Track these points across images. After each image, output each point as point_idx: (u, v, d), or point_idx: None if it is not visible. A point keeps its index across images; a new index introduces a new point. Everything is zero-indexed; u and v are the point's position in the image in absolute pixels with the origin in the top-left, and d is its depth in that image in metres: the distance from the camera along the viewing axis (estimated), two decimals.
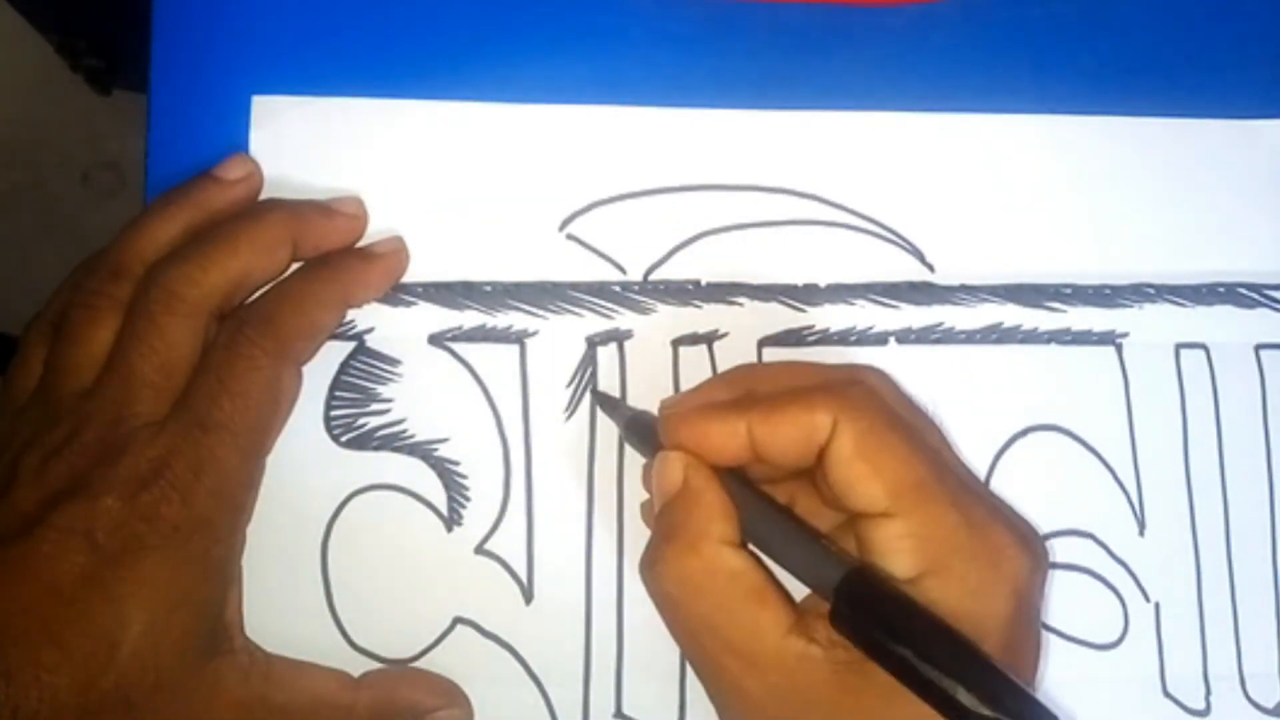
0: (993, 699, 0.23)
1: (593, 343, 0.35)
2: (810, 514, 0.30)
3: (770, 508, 0.29)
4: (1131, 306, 0.37)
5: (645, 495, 0.33)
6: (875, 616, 0.25)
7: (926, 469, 0.27)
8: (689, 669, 0.33)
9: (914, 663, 0.24)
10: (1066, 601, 0.35)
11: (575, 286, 0.35)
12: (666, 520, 0.28)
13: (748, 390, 0.29)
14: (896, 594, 0.26)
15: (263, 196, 0.35)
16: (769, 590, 0.27)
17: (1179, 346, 0.37)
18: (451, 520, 0.34)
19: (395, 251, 0.34)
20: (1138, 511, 0.36)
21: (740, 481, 0.29)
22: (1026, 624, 0.27)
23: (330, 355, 0.34)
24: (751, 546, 0.28)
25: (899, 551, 0.26)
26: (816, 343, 0.36)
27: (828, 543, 0.28)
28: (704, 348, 0.35)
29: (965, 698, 0.23)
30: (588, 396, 0.35)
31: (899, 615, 0.25)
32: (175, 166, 0.35)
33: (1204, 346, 0.37)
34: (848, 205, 0.37)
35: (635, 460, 0.34)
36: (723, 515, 0.28)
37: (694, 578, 0.27)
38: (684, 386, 0.35)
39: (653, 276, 0.36)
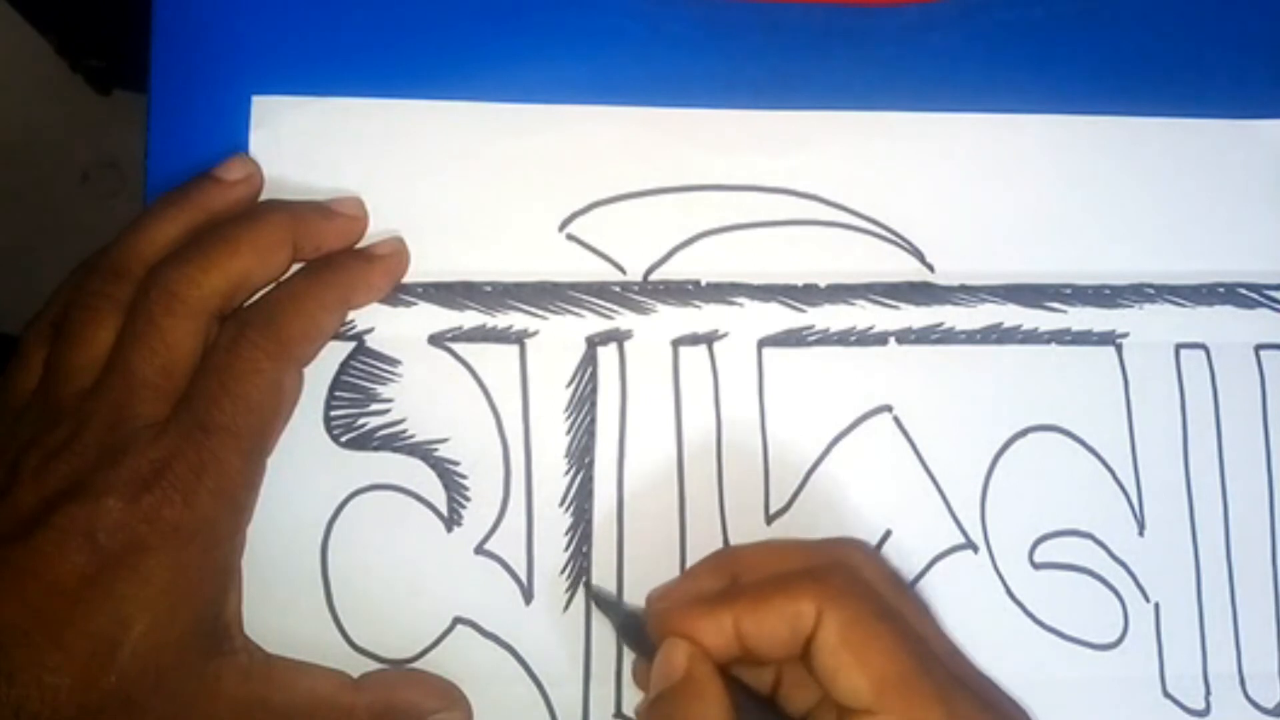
0: None
1: (593, 343, 0.35)
2: (797, 685, 0.29)
3: (762, 707, 0.29)
4: (1131, 306, 0.37)
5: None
6: None
7: (912, 662, 0.27)
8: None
9: None
10: (1066, 601, 0.35)
11: (575, 286, 0.35)
12: (667, 708, 0.28)
13: (732, 577, 0.29)
14: None
15: (263, 197, 0.35)
16: None
17: (1179, 346, 0.37)
18: (451, 520, 0.34)
19: (396, 252, 0.34)
20: (1137, 512, 0.36)
21: (733, 679, 0.29)
22: None
23: (330, 355, 0.34)
24: None
25: None
26: (816, 343, 0.36)
27: None
28: (704, 348, 0.35)
29: None
30: (587, 396, 0.35)
31: None
32: (175, 166, 0.35)
33: (1204, 346, 0.37)
34: (848, 205, 0.37)
35: (636, 461, 0.34)
36: (722, 710, 0.27)
37: None
38: (684, 387, 0.35)
39: (653, 276, 0.36)
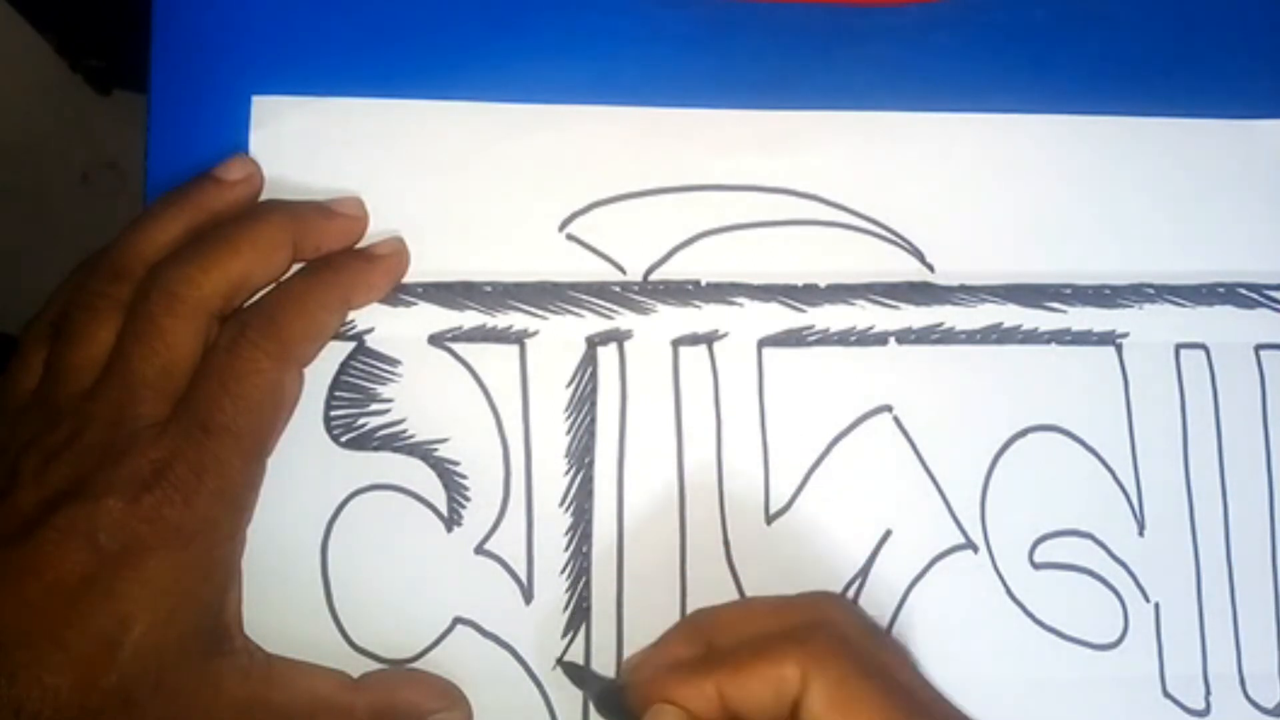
0: None
1: (593, 343, 0.35)
2: None
3: None
4: (1131, 306, 0.37)
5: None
6: None
7: (900, 718, 0.27)
8: None
9: None
10: (1066, 601, 0.35)
11: (575, 286, 0.35)
12: None
13: (707, 643, 0.29)
14: None
15: (263, 197, 0.35)
16: None
17: (1179, 347, 0.37)
18: (451, 520, 0.34)
19: (396, 252, 0.34)
20: (1137, 512, 0.36)
21: None
22: None
23: (330, 355, 0.34)
24: None
25: None
26: (816, 343, 0.36)
27: None
28: (704, 348, 0.35)
29: None
30: (587, 396, 0.35)
31: None
32: (175, 166, 0.35)
33: (1204, 346, 0.37)
34: (848, 205, 0.37)
35: (635, 460, 0.34)
36: None
37: None
38: (684, 387, 0.35)
39: (653, 276, 0.36)
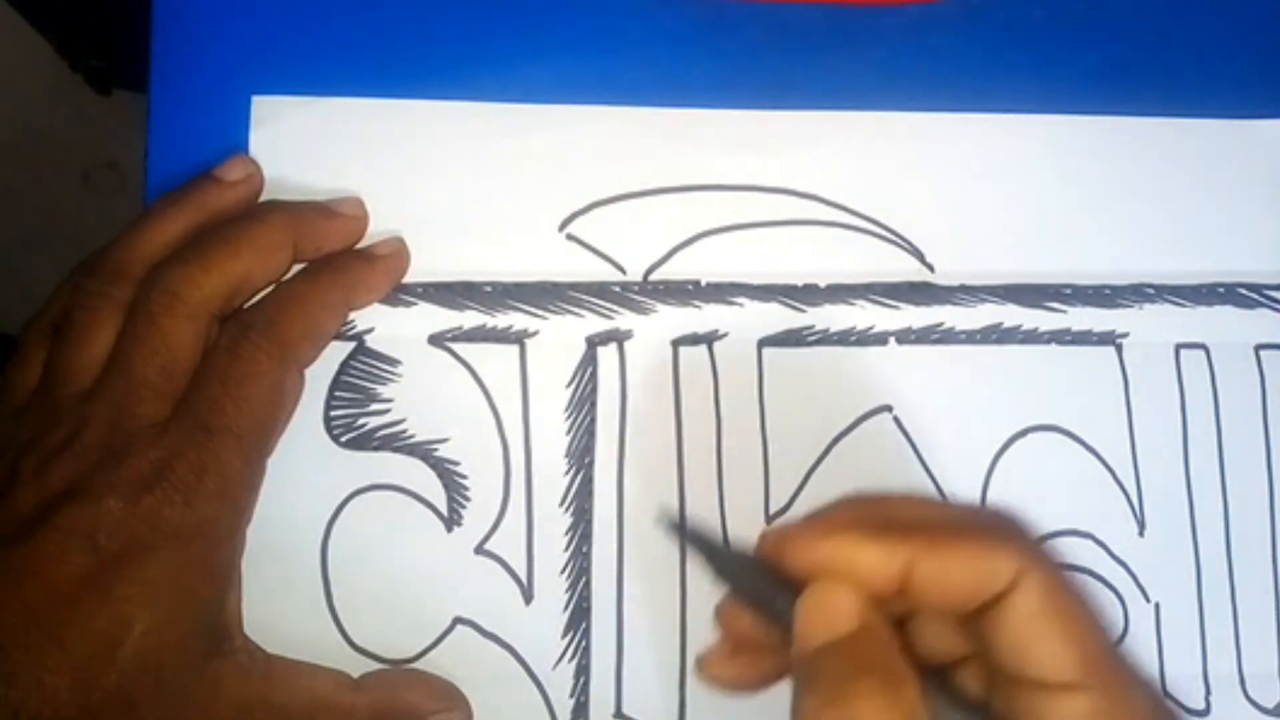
0: None
1: (593, 343, 0.35)
2: (929, 639, 0.26)
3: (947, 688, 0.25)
4: (1131, 306, 0.37)
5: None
6: None
7: (1110, 641, 0.24)
8: (689, 669, 0.33)
9: None
10: None
11: (575, 286, 0.35)
12: (854, 658, 0.23)
13: (885, 517, 0.25)
14: None
15: (263, 197, 0.35)
16: None
17: (1179, 346, 0.37)
18: (451, 520, 0.34)
19: (396, 252, 0.34)
20: (1137, 512, 0.36)
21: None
22: None
23: (330, 355, 0.34)
24: None
25: None
26: (816, 343, 0.36)
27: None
28: (704, 348, 0.35)
29: None
30: (587, 396, 0.35)
31: None
32: (175, 166, 0.35)
33: (1204, 346, 0.37)
34: (848, 205, 0.37)
35: (636, 461, 0.34)
36: (908, 668, 0.23)
37: None
38: (684, 388, 0.35)
39: (653, 276, 0.36)
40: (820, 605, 0.24)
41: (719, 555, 0.26)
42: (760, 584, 0.25)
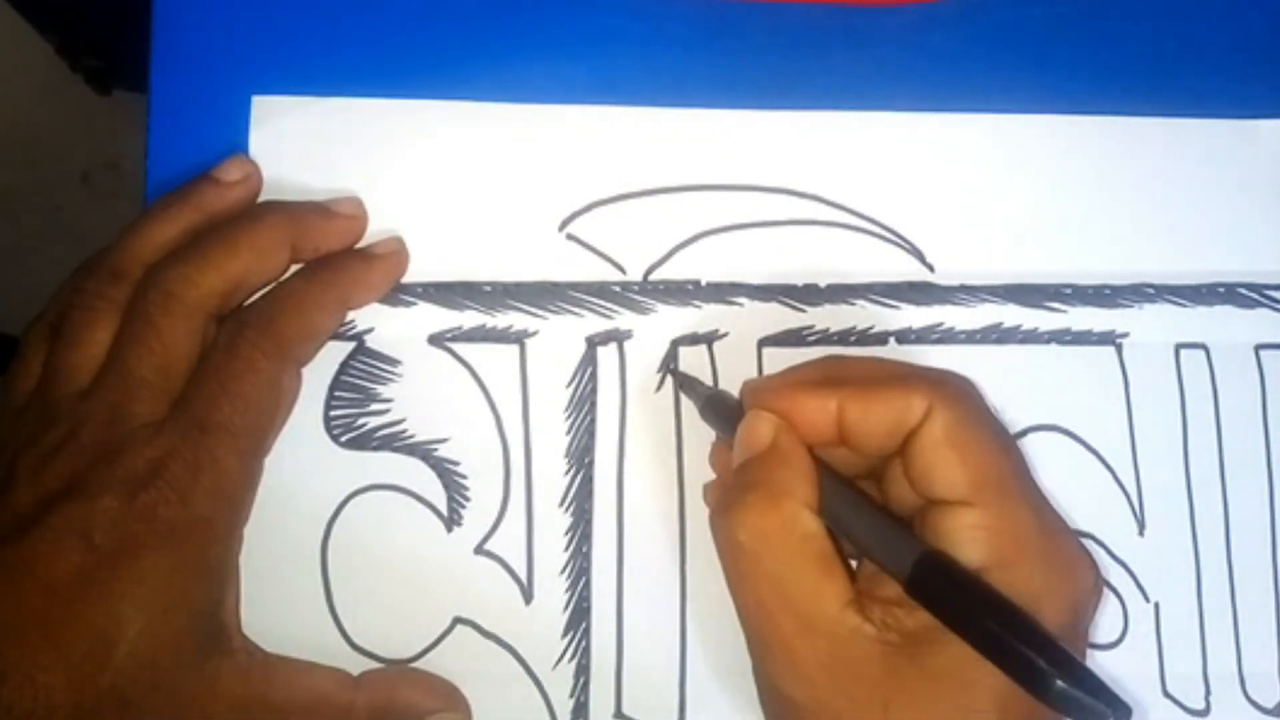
0: (1067, 671, 0.24)
1: (593, 343, 0.35)
2: (869, 488, 0.31)
3: (847, 486, 0.29)
4: (1131, 306, 0.37)
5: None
6: (952, 592, 0.26)
7: (1009, 466, 0.28)
8: (689, 669, 0.33)
9: (997, 631, 0.25)
10: None
11: (575, 286, 0.35)
12: (749, 474, 0.28)
13: (835, 373, 0.30)
14: (970, 575, 0.26)
15: (262, 197, 0.35)
16: (835, 561, 0.28)
17: (1179, 346, 0.37)
18: (451, 520, 0.34)
19: (395, 252, 0.34)
20: (1138, 511, 0.36)
21: (819, 459, 0.29)
22: (1076, 639, 0.28)
23: (330, 355, 0.34)
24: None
25: (971, 541, 0.27)
26: (816, 342, 0.36)
27: (901, 524, 0.28)
28: (704, 348, 0.35)
29: (1045, 665, 0.24)
30: (587, 396, 0.35)
31: (975, 592, 0.26)
32: (175, 167, 0.35)
33: (1204, 346, 0.37)
34: (848, 205, 0.37)
35: (635, 460, 0.34)
36: (807, 479, 0.28)
37: (770, 531, 0.27)
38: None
39: (653, 276, 0.36)
40: (746, 429, 0.29)
41: (709, 400, 0.32)
42: (733, 423, 0.30)
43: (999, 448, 0.28)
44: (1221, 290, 0.38)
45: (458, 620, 0.33)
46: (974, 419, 0.28)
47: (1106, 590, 0.35)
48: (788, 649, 0.27)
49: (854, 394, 0.28)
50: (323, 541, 0.33)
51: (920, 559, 0.26)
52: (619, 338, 0.35)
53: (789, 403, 0.29)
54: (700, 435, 0.35)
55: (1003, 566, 0.26)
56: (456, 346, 0.35)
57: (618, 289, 0.36)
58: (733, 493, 0.28)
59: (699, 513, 0.34)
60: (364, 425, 0.34)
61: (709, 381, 0.35)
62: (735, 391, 0.32)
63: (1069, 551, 0.28)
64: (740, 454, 0.29)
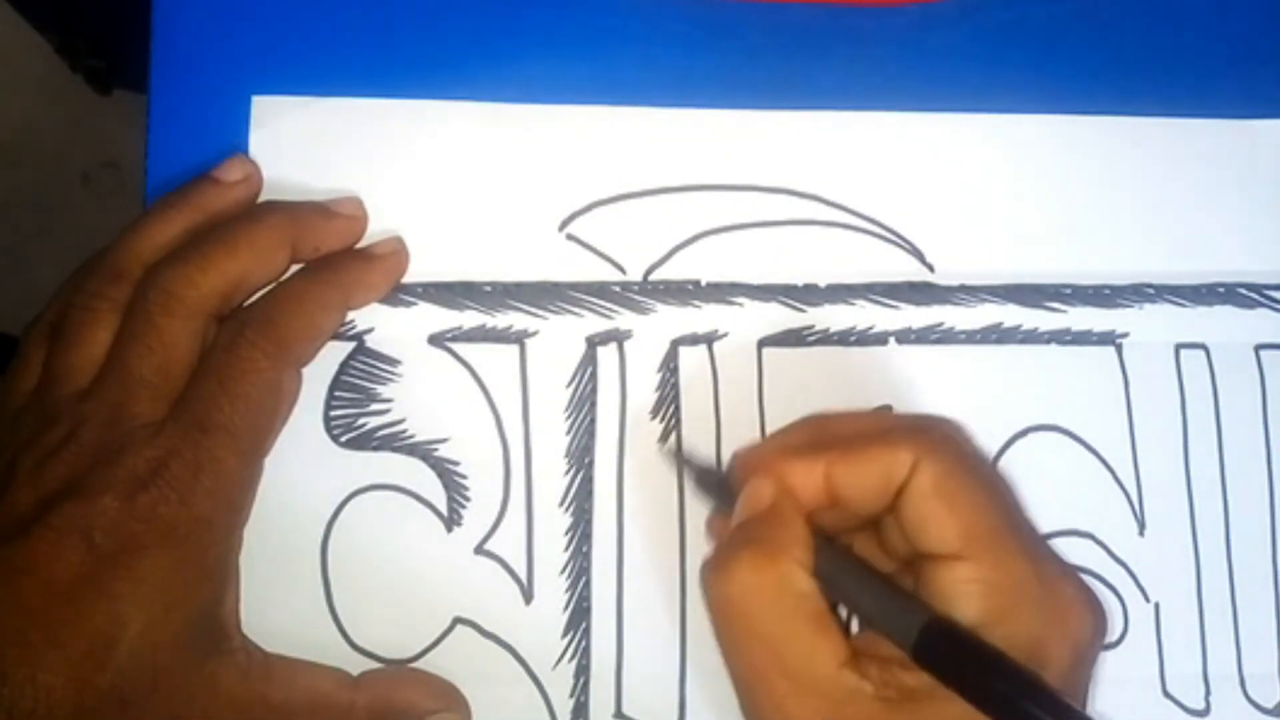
0: None
1: (593, 343, 0.35)
2: (869, 549, 0.30)
3: (845, 553, 0.29)
4: (1131, 306, 0.37)
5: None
6: (958, 657, 0.26)
7: (1001, 516, 0.27)
8: (689, 669, 0.33)
9: (1005, 693, 0.25)
10: None
11: (575, 286, 0.35)
12: (746, 532, 0.28)
13: (820, 435, 0.30)
14: (974, 640, 0.26)
15: (263, 197, 0.35)
16: (830, 620, 0.27)
17: (1179, 346, 0.37)
18: (451, 520, 0.34)
19: (395, 252, 0.34)
20: (1138, 511, 0.36)
21: (818, 527, 0.29)
22: (1079, 683, 0.27)
23: (330, 355, 0.34)
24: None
25: (966, 595, 0.26)
26: (816, 343, 0.36)
27: (902, 590, 0.28)
28: (704, 348, 0.35)
29: None
30: (587, 396, 0.35)
31: (981, 656, 0.26)
32: (175, 167, 0.35)
33: (1204, 346, 0.37)
34: (848, 205, 0.37)
35: (637, 461, 0.34)
36: (803, 541, 0.28)
37: (764, 589, 0.27)
38: (684, 388, 0.35)
39: (653, 276, 0.36)
40: (746, 494, 0.29)
41: (705, 475, 0.33)
42: (727, 495, 0.30)
43: (989, 496, 0.28)
44: (1221, 290, 0.38)
45: (458, 620, 0.33)
46: (961, 468, 0.28)
47: (1106, 590, 0.35)
48: (780, 710, 0.27)
49: (840, 456, 0.28)
50: (323, 541, 0.33)
51: (925, 627, 0.26)
52: (619, 338, 0.35)
53: (778, 470, 0.28)
54: (701, 435, 0.35)
55: (1001, 620, 0.26)
56: (456, 346, 0.35)
57: (618, 289, 0.36)
58: (727, 549, 0.28)
59: (699, 513, 0.34)
60: (364, 425, 0.34)
61: (708, 382, 0.35)
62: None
63: (1068, 596, 0.27)
64: (739, 515, 0.29)
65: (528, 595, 0.34)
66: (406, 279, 0.35)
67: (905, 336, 0.36)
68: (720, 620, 0.28)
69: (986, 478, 0.28)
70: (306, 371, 0.33)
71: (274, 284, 0.33)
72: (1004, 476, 0.31)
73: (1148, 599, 0.35)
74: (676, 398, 0.35)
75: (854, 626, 0.31)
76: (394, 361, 0.34)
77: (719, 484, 0.31)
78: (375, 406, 0.34)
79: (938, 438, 0.28)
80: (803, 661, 0.27)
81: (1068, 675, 0.26)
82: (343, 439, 0.34)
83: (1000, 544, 0.27)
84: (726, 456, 0.35)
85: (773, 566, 0.27)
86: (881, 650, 0.27)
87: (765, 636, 0.27)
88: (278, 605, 0.32)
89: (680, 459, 0.34)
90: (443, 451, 0.34)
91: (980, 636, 0.26)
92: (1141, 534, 0.36)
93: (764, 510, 0.28)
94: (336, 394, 0.34)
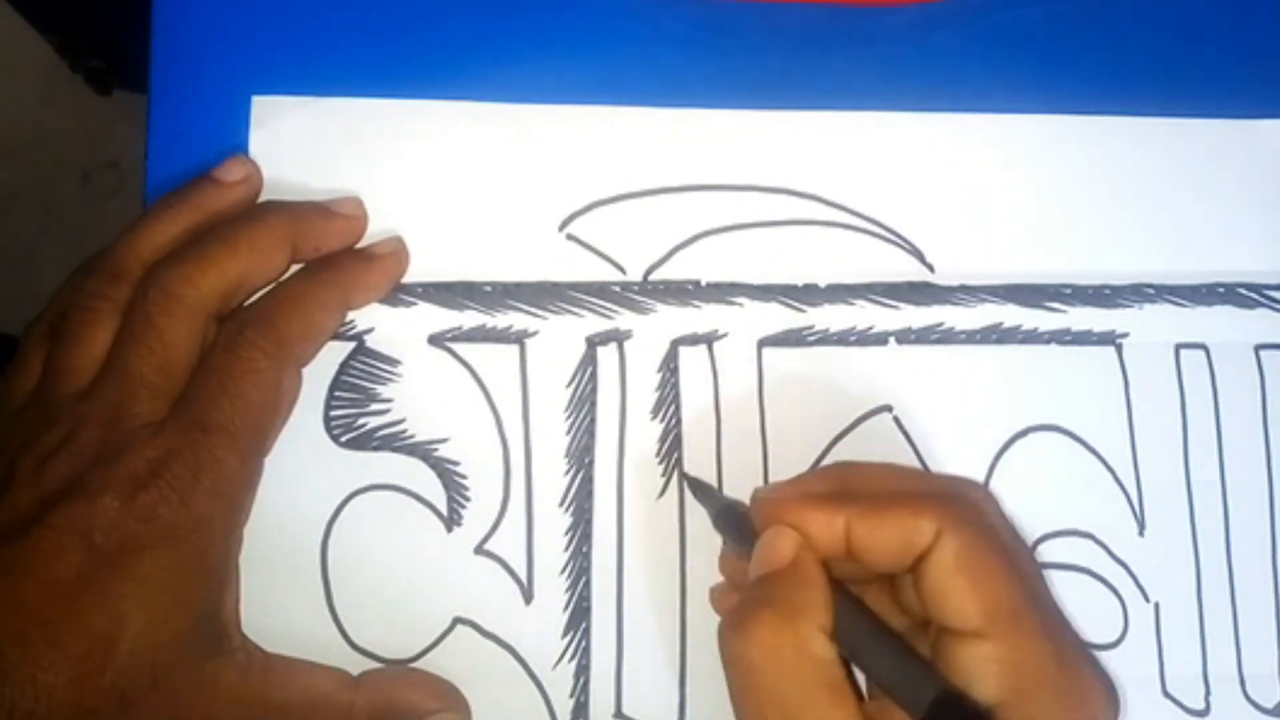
0: None
1: (593, 343, 0.35)
2: (882, 603, 0.30)
3: (863, 613, 0.28)
4: (1131, 306, 0.37)
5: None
6: None
7: (1023, 594, 0.27)
8: (689, 669, 0.33)
9: None
10: (1066, 602, 0.35)
11: (575, 286, 0.35)
12: (767, 590, 0.28)
13: (845, 486, 0.29)
14: (988, 716, 0.26)
15: (263, 197, 0.35)
16: (847, 690, 0.27)
17: (1179, 346, 0.37)
18: (451, 520, 0.34)
19: (395, 252, 0.34)
20: (1138, 511, 0.36)
21: (837, 580, 0.28)
22: None
23: (330, 355, 0.34)
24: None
25: (986, 675, 0.26)
26: (816, 343, 0.36)
27: (917, 657, 0.28)
28: (704, 347, 0.35)
29: None
30: (587, 396, 0.35)
31: None
32: (175, 167, 0.35)
33: (1204, 346, 0.37)
34: (848, 205, 0.37)
35: (636, 461, 0.34)
36: (824, 603, 0.27)
37: (783, 652, 0.26)
38: (684, 388, 0.35)
39: (653, 276, 0.36)
40: (766, 545, 0.28)
41: (723, 512, 0.31)
42: (746, 535, 0.29)
43: (1013, 573, 0.27)
44: (1221, 290, 0.38)
45: (458, 620, 0.33)
46: (985, 542, 0.27)
47: (1106, 590, 0.35)
48: None
49: (862, 513, 0.27)
50: (323, 541, 0.33)
51: (937, 698, 0.26)
52: (619, 338, 0.35)
53: (798, 518, 0.28)
54: (701, 435, 0.35)
55: (1018, 701, 0.26)
56: (456, 346, 0.35)
57: (618, 289, 0.36)
58: (747, 606, 0.27)
59: (699, 512, 0.34)
60: (364, 425, 0.34)
61: (708, 382, 0.35)
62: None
63: (1085, 681, 0.27)
64: (758, 568, 0.28)
65: (528, 595, 0.34)
66: (406, 279, 0.35)
67: (905, 336, 0.36)
68: (735, 679, 0.27)
69: (1011, 551, 0.28)
70: (306, 371, 0.33)
71: (274, 284, 0.33)
72: (1027, 546, 0.30)
73: (1148, 599, 0.35)
74: (677, 398, 0.35)
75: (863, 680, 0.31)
76: (394, 361, 0.34)
77: (739, 521, 0.30)
78: (375, 406, 0.34)
79: (963, 507, 0.27)
80: None
81: None
82: (343, 439, 0.34)
83: (1022, 624, 0.26)
84: (727, 456, 0.35)
85: (792, 630, 0.26)
86: (895, 718, 0.27)
87: (780, 701, 0.26)
88: (278, 605, 0.32)
89: (698, 491, 0.33)
90: (443, 451, 0.34)
91: (993, 715, 0.26)
92: (1141, 534, 0.36)
93: (785, 567, 0.28)
94: (336, 394, 0.34)
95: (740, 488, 0.34)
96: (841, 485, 0.29)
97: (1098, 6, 0.39)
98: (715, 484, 0.35)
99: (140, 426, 0.29)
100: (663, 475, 0.34)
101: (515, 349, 0.35)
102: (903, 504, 0.27)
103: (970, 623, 0.26)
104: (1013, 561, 0.27)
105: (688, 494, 0.34)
